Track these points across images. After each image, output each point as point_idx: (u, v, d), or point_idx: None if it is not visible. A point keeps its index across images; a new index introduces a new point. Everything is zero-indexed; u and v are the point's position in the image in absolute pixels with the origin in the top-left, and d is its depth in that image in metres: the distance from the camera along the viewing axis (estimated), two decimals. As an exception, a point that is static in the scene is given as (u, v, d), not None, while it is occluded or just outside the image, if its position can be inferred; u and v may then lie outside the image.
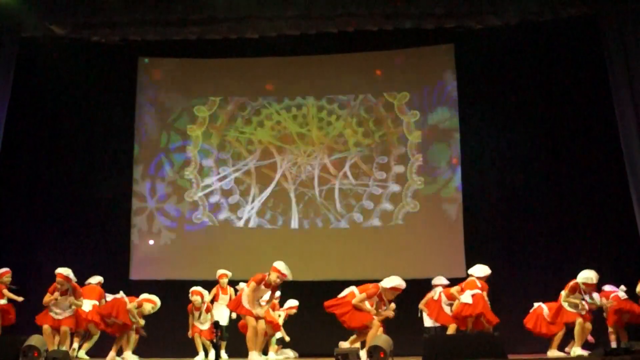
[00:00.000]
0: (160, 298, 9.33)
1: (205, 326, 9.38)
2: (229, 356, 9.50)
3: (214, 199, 11.75)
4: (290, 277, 8.20)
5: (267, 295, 8.48)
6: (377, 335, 7.42)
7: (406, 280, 9.25)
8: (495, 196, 11.15)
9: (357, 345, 7.82)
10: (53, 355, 7.13)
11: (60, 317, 8.63)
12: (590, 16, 10.54)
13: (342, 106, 11.88)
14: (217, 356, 7.11)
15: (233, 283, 9.54)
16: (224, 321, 9.48)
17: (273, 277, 8.10)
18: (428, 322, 9.71)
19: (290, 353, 9.78)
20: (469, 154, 11.39)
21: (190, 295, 9.49)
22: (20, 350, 7.18)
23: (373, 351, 6.86)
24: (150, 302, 9.02)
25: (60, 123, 11.86)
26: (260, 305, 8.23)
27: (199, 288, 9.53)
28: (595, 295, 8.74)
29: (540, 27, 10.93)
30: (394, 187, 11.55)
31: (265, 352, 9.02)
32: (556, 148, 11.10)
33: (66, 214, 11.58)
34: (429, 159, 11.57)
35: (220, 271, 9.75)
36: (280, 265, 8.16)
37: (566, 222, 10.54)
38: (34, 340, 7.26)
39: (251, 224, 11.59)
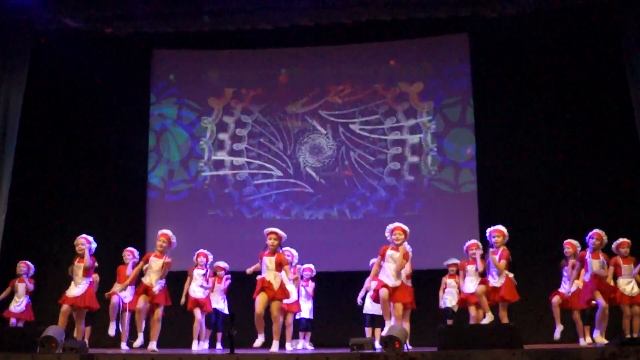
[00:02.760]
0: (174, 290, 9.31)
1: (201, 294, 9.33)
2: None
3: (228, 189, 11.78)
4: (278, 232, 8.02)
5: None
6: (393, 326, 7.40)
7: (422, 271, 9.26)
8: (510, 186, 11.09)
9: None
10: (70, 346, 7.17)
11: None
12: (608, 3, 10.43)
13: (356, 97, 11.85)
14: (232, 349, 7.09)
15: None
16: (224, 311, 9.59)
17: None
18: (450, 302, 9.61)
19: (305, 343, 9.79)
20: (484, 143, 11.33)
21: (195, 257, 9.45)
22: (38, 341, 7.23)
23: (388, 341, 6.84)
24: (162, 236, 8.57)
25: (75, 115, 11.94)
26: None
27: (205, 251, 9.54)
28: None
29: (556, 15, 10.82)
30: (409, 178, 11.53)
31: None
32: (572, 137, 11.01)
33: (79, 205, 11.67)
34: (444, 149, 11.52)
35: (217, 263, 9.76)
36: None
37: (584, 212, 10.47)
38: (51, 330, 7.30)
39: (265, 215, 11.60)
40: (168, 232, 8.55)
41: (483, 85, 11.45)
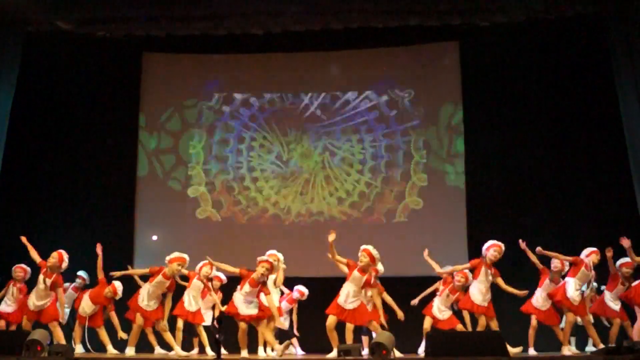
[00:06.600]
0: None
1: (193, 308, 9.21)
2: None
3: (218, 194, 11.76)
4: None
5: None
6: (380, 333, 7.40)
7: (409, 278, 9.26)
8: (499, 193, 11.14)
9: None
10: (56, 350, 7.15)
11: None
12: (597, 14, 10.50)
13: (346, 103, 11.88)
14: (219, 354, 7.06)
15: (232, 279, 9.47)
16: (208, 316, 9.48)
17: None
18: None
19: (294, 349, 9.77)
20: (473, 152, 11.38)
21: (199, 268, 9.25)
22: (23, 344, 7.19)
23: (375, 348, 6.85)
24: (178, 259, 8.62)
25: (65, 117, 11.88)
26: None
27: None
28: None
29: (546, 25, 10.89)
30: (398, 185, 11.55)
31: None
32: (561, 146, 11.08)
33: (68, 208, 11.61)
34: (433, 156, 11.57)
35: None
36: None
37: (571, 219, 10.53)
38: (37, 334, 7.27)
39: (254, 220, 11.60)
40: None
41: (473, 93, 11.50)
